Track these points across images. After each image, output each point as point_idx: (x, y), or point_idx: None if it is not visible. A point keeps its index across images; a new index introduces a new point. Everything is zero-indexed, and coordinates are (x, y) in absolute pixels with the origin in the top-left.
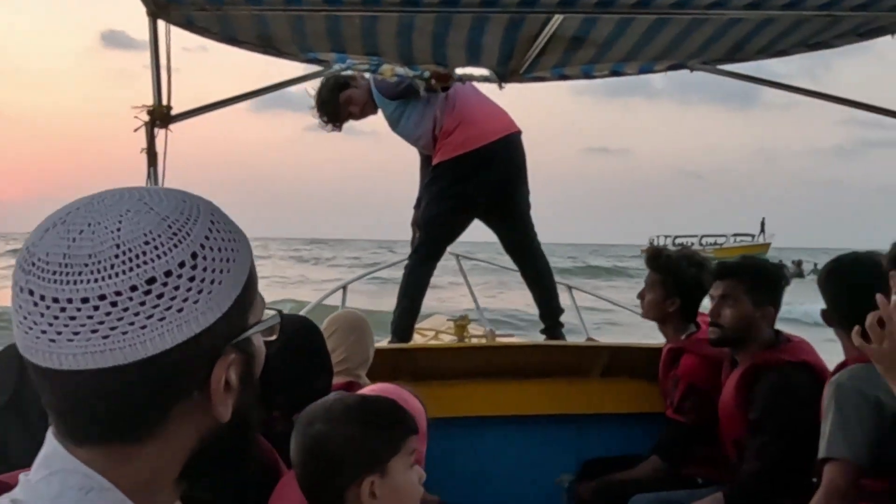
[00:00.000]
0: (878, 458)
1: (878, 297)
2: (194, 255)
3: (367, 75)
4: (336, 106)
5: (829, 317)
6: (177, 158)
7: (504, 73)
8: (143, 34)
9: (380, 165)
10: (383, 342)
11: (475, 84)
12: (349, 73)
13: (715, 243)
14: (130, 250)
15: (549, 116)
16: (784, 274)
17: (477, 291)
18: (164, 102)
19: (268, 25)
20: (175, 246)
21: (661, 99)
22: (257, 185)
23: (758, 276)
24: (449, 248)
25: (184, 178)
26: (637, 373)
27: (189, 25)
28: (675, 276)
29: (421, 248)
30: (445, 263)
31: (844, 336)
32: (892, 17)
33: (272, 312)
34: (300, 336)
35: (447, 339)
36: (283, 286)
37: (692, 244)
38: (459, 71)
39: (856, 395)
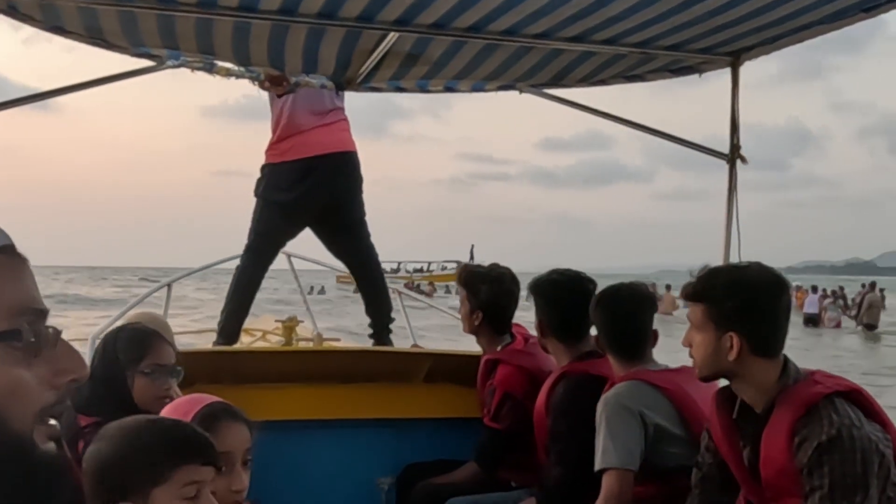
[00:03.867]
0: (644, 466)
1: None
2: None
3: None
4: None
5: (601, 343)
6: None
7: (340, 83)
8: None
9: None
10: (208, 344)
11: (322, 96)
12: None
13: (422, 270)
14: None
15: (178, 135)
16: (565, 286)
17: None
18: None
19: (97, 18)
20: None
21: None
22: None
23: (536, 296)
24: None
25: None
26: (458, 379)
27: (10, 11)
28: (471, 291)
29: (251, 249)
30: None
31: (614, 359)
32: (698, 58)
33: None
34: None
35: (275, 340)
36: None
37: (394, 270)
38: (296, 78)
39: (621, 409)
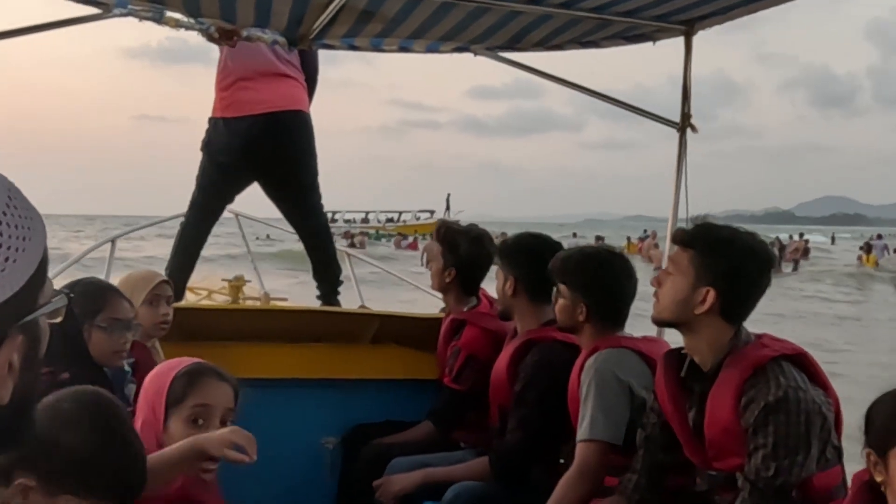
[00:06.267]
0: (624, 439)
1: None
2: None
3: None
4: None
5: (586, 306)
6: None
7: (293, 39)
8: None
9: None
10: None
11: (272, 51)
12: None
13: (393, 220)
14: None
15: (100, 80)
16: (543, 247)
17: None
18: None
19: None
20: None
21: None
22: None
23: (509, 255)
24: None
25: None
26: (405, 340)
27: None
28: (449, 247)
29: (195, 204)
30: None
31: (596, 324)
32: (653, 25)
33: (60, 294)
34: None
35: (221, 299)
36: None
37: (362, 219)
38: (248, 32)
39: (613, 379)
